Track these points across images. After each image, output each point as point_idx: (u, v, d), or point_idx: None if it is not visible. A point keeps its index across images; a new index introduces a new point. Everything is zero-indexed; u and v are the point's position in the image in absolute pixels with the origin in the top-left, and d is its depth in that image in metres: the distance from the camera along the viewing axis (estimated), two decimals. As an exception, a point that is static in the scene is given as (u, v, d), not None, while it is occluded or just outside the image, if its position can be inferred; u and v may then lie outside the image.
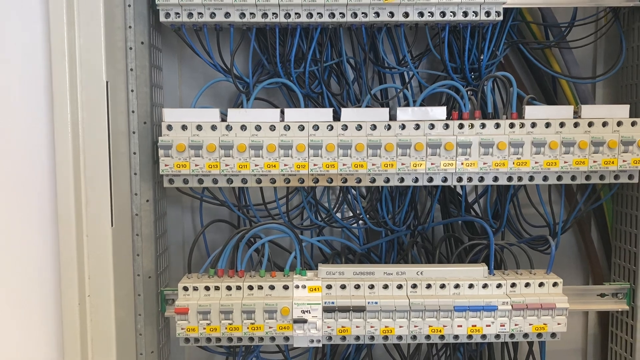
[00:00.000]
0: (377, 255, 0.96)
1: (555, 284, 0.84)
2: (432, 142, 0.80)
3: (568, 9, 0.90)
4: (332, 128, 0.81)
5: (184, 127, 0.81)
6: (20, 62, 0.74)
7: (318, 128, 0.81)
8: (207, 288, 0.82)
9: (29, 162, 0.74)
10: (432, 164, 0.80)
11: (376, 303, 0.81)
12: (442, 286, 0.83)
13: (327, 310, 0.81)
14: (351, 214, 0.95)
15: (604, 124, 0.81)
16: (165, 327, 0.93)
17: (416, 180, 0.83)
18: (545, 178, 0.83)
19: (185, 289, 0.83)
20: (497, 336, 0.84)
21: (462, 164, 0.80)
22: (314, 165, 0.80)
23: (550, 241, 0.87)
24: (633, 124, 0.81)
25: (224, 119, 0.82)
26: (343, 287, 0.83)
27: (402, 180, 0.83)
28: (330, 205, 0.91)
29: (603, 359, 1.01)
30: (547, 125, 0.81)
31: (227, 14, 0.80)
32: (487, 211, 0.91)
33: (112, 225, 0.75)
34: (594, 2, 0.86)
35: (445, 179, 0.83)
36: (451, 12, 0.80)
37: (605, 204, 0.96)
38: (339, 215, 0.94)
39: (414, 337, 0.83)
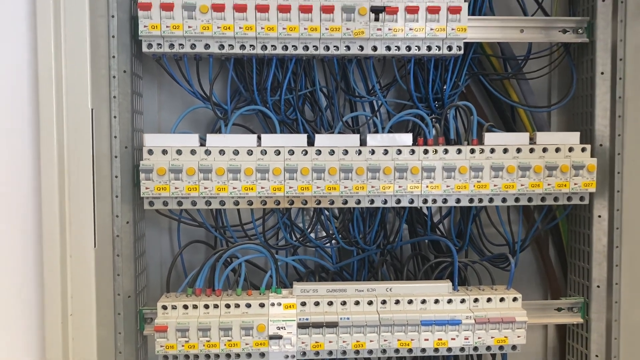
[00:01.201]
0: (349, 273, 1.01)
1: (515, 299, 0.90)
2: (400, 166, 0.85)
3: (524, 43, 0.98)
4: (306, 153, 0.86)
5: (164, 152, 0.84)
6: (6, 88, 0.77)
7: (293, 153, 0.86)
8: (185, 307, 0.86)
9: (14, 185, 0.77)
10: (399, 186, 0.86)
11: (348, 319, 0.85)
12: (410, 302, 0.88)
13: (302, 326, 0.85)
14: (324, 234, 1.00)
15: (557, 150, 0.88)
16: (143, 345, 0.95)
17: (385, 202, 0.88)
18: (503, 200, 0.89)
19: (165, 307, 0.85)
20: (462, 349, 0.89)
21: (427, 186, 0.86)
22: (290, 187, 0.85)
23: (510, 259, 0.93)
24: (583, 149, 0.88)
25: (202, 144, 0.86)
26: (317, 304, 0.87)
27: (372, 201, 0.88)
28: (304, 226, 0.96)
29: (562, 371, 1.07)
30: (505, 150, 0.88)
31: (207, 45, 0.84)
32: (451, 231, 0.97)
33: (94, 246, 0.78)
34: (547, 38, 0.93)
35: (412, 201, 0.88)
36: (416, 46, 0.86)
37: (561, 223, 1.03)
38: (313, 235, 0.99)
39: (384, 351, 0.88)
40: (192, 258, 1.01)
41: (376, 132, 0.91)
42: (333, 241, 0.99)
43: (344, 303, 0.87)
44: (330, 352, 0.87)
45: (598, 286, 0.94)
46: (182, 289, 0.89)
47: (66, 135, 0.75)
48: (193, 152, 0.85)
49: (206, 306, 0.85)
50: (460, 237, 0.99)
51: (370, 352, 0.88)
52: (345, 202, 0.88)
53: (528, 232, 0.98)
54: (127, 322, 0.88)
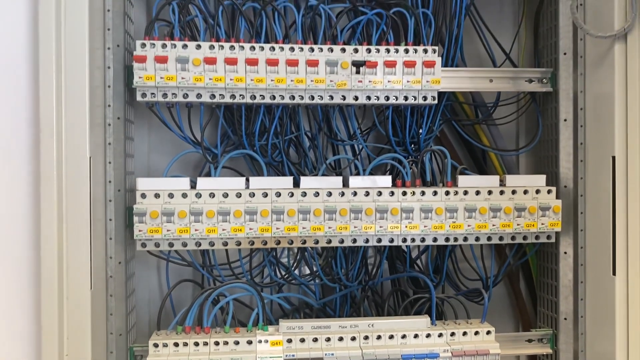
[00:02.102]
0: (332, 309, 1.05)
1: (488, 332, 0.95)
2: (380, 207, 0.91)
3: (493, 92, 1.05)
4: (292, 195, 0.91)
5: (156, 195, 0.89)
6: (5, 135, 0.81)
7: (280, 195, 0.91)
8: (176, 344, 0.89)
9: (12, 229, 0.80)
10: (380, 227, 0.91)
11: (332, 354, 0.90)
12: (391, 337, 0.93)
13: (288, 362, 0.89)
14: (308, 272, 1.04)
15: (525, 192, 0.95)
16: (132, 383, 0.97)
17: (367, 241, 0.93)
18: (477, 239, 0.95)
19: (156, 345, 0.89)
20: (440, 381, 0.93)
21: (406, 226, 0.92)
22: (277, 228, 0.90)
23: (484, 293, 0.99)
24: (549, 191, 0.95)
25: (193, 187, 0.90)
26: (302, 340, 0.91)
27: (354, 241, 0.93)
28: (289, 263, 1.00)
29: (534, 399, 1.12)
30: (477, 192, 0.94)
31: (199, 95, 0.90)
32: (429, 267, 1.02)
33: (91, 288, 0.81)
34: (514, 88, 1.01)
35: (392, 240, 0.94)
36: (394, 96, 0.93)
37: (531, 259, 1.09)
38: (297, 272, 1.03)
39: (367, 385, 0.92)
40: (180, 295, 1.05)
41: (357, 174, 0.96)
42: (317, 279, 1.03)
43: (328, 339, 0.91)
44: (315, 387, 0.91)
45: (565, 318, 1.00)
46: (172, 327, 0.92)
47: (65, 182, 0.79)
48: (184, 195, 0.89)
49: (196, 344, 0.89)
50: (437, 272, 1.04)
51: (354, 386, 0.92)
52: (329, 241, 0.93)
53: (500, 267, 1.04)
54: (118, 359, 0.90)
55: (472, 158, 1.10)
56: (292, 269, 1.00)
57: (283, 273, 1.02)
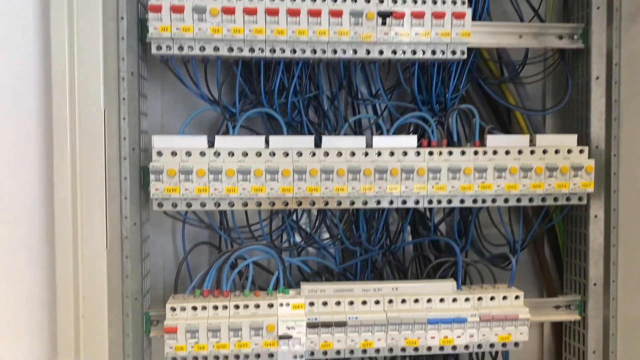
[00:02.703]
0: (352, 274, 1.02)
1: (517, 297, 0.92)
2: (406, 167, 0.87)
3: (521, 49, 1.01)
4: (314, 154, 0.87)
5: (173, 153, 0.85)
6: (17, 91, 0.77)
7: (301, 154, 0.87)
8: (194, 308, 0.86)
9: (26, 186, 0.76)
10: (406, 187, 0.88)
11: (356, 318, 0.87)
12: (416, 301, 0.89)
13: (311, 326, 0.86)
14: (327, 236, 1.01)
15: (557, 152, 0.91)
16: (148, 348, 0.95)
17: (391, 202, 0.90)
18: (506, 200, 0.91)
19: (173, 309, 0.86)
20: (466, 347, 0.90)
21: (433, 187, 0.88)
22: (298, 188, 0.86)
23: (511, 258, 0.95)
24: (581, 151, 0.91)
25: (210, 146, 0.87)
26: (325, 304, 0.88)
27: (378, 202, 0.89)
28: (310, 227, 0.97)
29: (558, 368, 1.10)
30: (507, 152, 0.90)
31: (217, 48, 0.85)
32: (454, 231, 0.99)
33: (106, 247, 0.78)
34: (543, 44, 0.96)
35: (417, 202, 0.90)
36: (421, 50, 0.88)
37: (557, 224, 1.05)
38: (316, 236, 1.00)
39: (391, 350, 0.89)
40: (196, 260, 1.01)
41: (380, 134, 0.92)
42: (337, 243, 1.00)
43: (351, 303, 0.88)
44: (338, 352, 0.88)
45: (594, 284, 0.97)
46: (189, 290, 0.89)
47: (79, 137, 0.75)
48: (202, 153, 0.85)
49: (215, 307, 0.86)
50: (460, 238, 1.01)
51: (378, 350, 0.89)
52: (353, 202, 0.89)
53: (526, 233, 1.01)
54: (134, 324, 0.87)
55: (497, 119, 1.06)
56: (313, 232, 0.96)
57: (302, 238, 0.99)
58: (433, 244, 1.04)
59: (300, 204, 0.88)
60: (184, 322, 0.84)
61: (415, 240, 1.03)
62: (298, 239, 1.00)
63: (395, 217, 1.05)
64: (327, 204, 0.89)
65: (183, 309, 0.86)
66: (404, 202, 0.90)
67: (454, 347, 0.90)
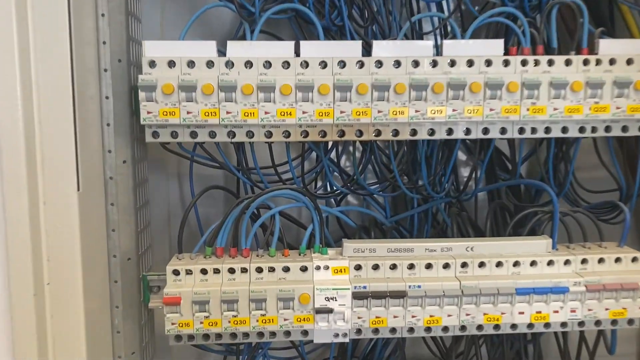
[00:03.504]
0: (407, 229, 0.79)
1: (634, 259, 0.68)
2: (492, 81, 0.63)
3: None
4: (362, 65, 0.63)
5: (171, 64, 0.62)
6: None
7: (345, 65, 0.63)
8: (204, 271, 0.64)
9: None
10: (490, 109, 0.63)
11: (419, 287, 0.64)
12: (499, 264, 0.67)
13: (358, 296, 0.64)
14: (375, 180, 0.78)
15: (700, 61, 0.65)
16: (148, 321, 0.75)
17: (468, 132, 0.66)
18: (624, 128, 0.67)
19: (176, 272, 0.64)
20: (564, 324, 0.68)
21: (528, 110, 0.64)
22: (341, 112, 0.63)
23: (623, 207, 0.71)
24: None
25: (220, 55, 0.63)
26: (376, 267, 0.66)
27: (450, 131, 0.66)
28: (355, 167, 0.73)
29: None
30: (629, 62, 0.65)
31: None
32: (549, 172, 0.74)
33: (78, 190, 0.56)
34: None
35: (504, 130, 0.66)
36: None
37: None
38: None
39: (464, 328, 0.67)
40: (208, 210, 0.80)
41: (453, 38, 0.68)
42: (388, 188, 0.77)
43: (411, 266, 0.66)
44: (394, 330, 0.66)
45: None
46: (198, 248, 0.67)
47: (32, 31, 0.52)
48: (210, 63, 0.62)
49: (231, 270, 0.64)
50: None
51: (446, 329, 0.67)
52: (414, 132, 0.65)
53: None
54: (126, 292, 0.67)
55: (594, 18, 0.79)
56: (358, 173, 0.73)
57: (344, 182, 0.76)
58: (512, 192, 0.80)
59: (342, 134, 0.65)
60: (189, 290, 0.63)
61: (495, 185, 0.78)
62: (337, 184, 0.77)
63: (462, 157, 0.81)
64: (379, 134, 0.65)
65: (189, 272, 0.64)
66: (486, 130, 0.66)
67: (546, 325, 0.68)
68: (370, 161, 0.75)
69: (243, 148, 0.73)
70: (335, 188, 0.75)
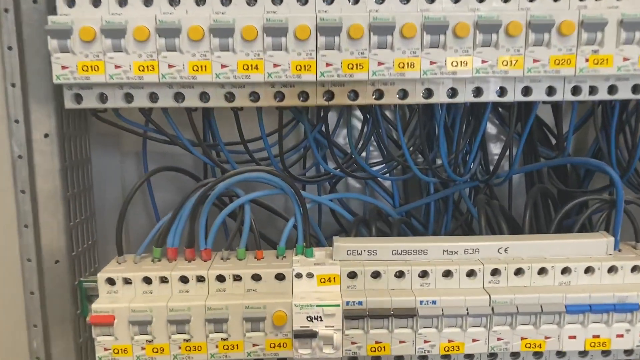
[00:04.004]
0: (422, 223, 0.62)
1: None
2: (538, 20, 0.45)
3: None
4: None
5: (96, 2, 0.45)
6: None
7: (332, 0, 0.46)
8: (147, 280, 0.49)
9: None
10: (534, 60, 0.46)
11: (434, 303, 0.48)
12: (542, 271, 0.49)
13: (352, 315, 0.47)
14: (380, 160, 0.61)
15: None
16: (90, 340, 0.59)
17: (502, 92, 0.48)
18: None
19: (111, 282, 0.49)
20: (629, 352, 0.51)
21: (588, 60, 0.46)
22: (327, 65, 0.46)
23: None
24: None
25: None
26: (376, 275, 0.49)
27: (477, 92, 0.48)
28: (351, 142, 0.56)
29: None
30: None
31: None
32: (610, 149, 0.56)
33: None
34: None
35: (551, 90, 0.48)
36: None
37: None
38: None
39: (494, 356, 0.50)
40: (174, 200, 0.64)
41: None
42: (396, 170, 0.60)
43: (424, 274, 0.49)
44: (400, 359, 0.50)
45: None
46: (143, 249, 0.52)
47: None
48: (148, 1, 0.45)
49: (184, 279, 0.49)
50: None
51: (470, 357, 0.50)
52: (429, 94, 0.48)
53: None
54: (53, 305, 0.52)
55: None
56: (355, 151, 0.56)
57: (340, 162, 0.58)
58: (556, 173, 0.62)
59: (331, 96, 0.48)
60: (126, 306, 0.47)
61: (536, 165, 0.60)
62: (331, 165, 0.60)
63: (493, 129, 0.63)
64: (380, 96, 0.48)
65: (128, 281, 0.49)
66: (527, 91, 0.48)
67: (605, 353, 0.51)
68: (373, 135, 0.58)
69: (209, 119, 0.56)
70: (325, 171, 0.58)
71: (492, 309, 0.48)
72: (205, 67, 0.45)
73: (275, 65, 0.45)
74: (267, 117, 0.54)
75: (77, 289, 0.55)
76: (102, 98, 0.48)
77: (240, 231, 0.51)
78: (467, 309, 0.48)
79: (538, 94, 0.48)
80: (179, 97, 0.48)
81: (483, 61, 0.46)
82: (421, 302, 0.48)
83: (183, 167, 0.60)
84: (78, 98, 0.47)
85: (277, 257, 0.52)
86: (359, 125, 0.60)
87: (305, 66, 0.45)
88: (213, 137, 0.57)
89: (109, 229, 0.66)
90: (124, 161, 0.66)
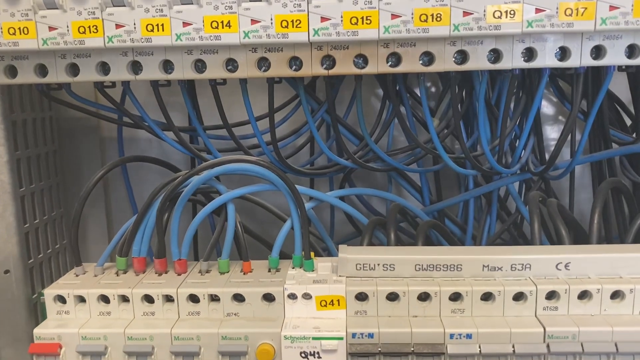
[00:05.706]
0: (458, 225, 0.50)
1: None
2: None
3: None
4: None
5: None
6: None
7: None
8: (104, 299, 0.39)
9: None
10: (610, 7, 0.33)
11: (469, 337, 0.36)
12: (615, 295, 0.37)
13: (359, 353, 0.36)
14: (400, 147, 0.49)
15: None
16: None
17: (564, 54, 0.35)
18: None
19: (61, 299, 0.39)
20: None
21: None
22: (322, 20, 0.34)
23: None
24: None
25: None
26: (393, 297, 0.38)
27: (529, 54, 0.36)
28: (363, 125, 0.44)
29: None
30: None
31: None
32: None
33: None
34: None
35: (632, 50, 0.35)
36: None
37: None
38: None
39: (549, 407, 0.38)
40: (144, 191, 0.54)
41: None
42: (423, 159, 0.48)
43: (456, 297, 0.37)
44: (424, 408, 0.38)
45: None
46: (104, 258, 0.42)
47: None
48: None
49: (148, 298, 0.38)
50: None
51: (517, 407, 0.38)
52: (464, 58, 0.36)
53: None
54: (3, 323, 0.42)
55: None
56: (368, 135, 0.44)
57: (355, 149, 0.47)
58: (633, 166, 0.49)
59: (332, 64, 0.36)
60: (75, 331, 0.37)
61: (605, 153, 0.47)
62: (343, 153, 0.48)
63: (549, 109, 0.50)
64: (398, 62, 0.37)
65: (81, 299, 0.39)
66: (598, 51, 0.35)
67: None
68: (394, 115, 0.46)
69: (193, 99, 0.46)
70: (331, 162, 0.47)
71: (548, 346, 0.35)
72: (162, 26, 0.34)
73: (253, 22, 0.34)
74: (265, 95, 0.43)
75: (31, 302, 0.46)
76: (40, 70, 0.38)
77: (222, 238, 0.41)
78: (513, 347, 0.36)
79: (614, 56, 0.35)
80: (135, 67, 0.37)
81: (537, 10, 0.33)
82: (452, 335, 0.36)
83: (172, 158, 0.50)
84: (10, 71, 0.38)
85: (269, 271, 0.41)
86: (378, 104, 0.48)
87: (293, 22, 0.34)
88: (190, 120, 0.46)
89: (90, 229, 0.57)
90: (105, 150, 0.56)
